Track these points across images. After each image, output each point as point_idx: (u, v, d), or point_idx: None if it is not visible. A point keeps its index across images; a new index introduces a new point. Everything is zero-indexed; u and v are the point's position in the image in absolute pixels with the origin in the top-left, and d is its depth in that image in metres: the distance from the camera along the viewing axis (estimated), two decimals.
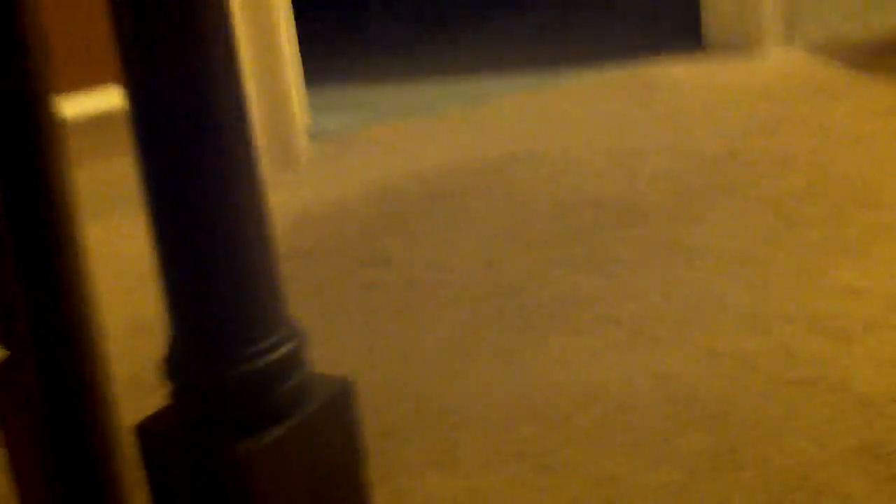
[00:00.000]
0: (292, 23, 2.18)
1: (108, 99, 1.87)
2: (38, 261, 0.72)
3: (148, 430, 0.84)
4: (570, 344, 1.31)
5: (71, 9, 1.84)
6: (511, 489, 1.07)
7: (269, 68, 2.10)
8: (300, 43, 2.22)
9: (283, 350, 0.82)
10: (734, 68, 2.47)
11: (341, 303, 1.49)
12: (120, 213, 1.77)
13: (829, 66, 2.39)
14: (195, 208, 0.78)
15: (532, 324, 1.37)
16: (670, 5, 2.97)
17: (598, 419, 1.15)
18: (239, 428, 0.81)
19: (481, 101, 2.46)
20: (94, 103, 1.89)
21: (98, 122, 1.86)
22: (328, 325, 1.43)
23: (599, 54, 2.74)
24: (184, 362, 0.82)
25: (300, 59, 2.22)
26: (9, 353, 0.72)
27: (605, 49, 2.78)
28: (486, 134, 2.20)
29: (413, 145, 2.18)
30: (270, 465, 0.82)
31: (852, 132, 1.94)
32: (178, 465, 0.84)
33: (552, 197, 1.79)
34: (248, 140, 0.80)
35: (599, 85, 2.47)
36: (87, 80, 1.89)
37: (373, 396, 1.23)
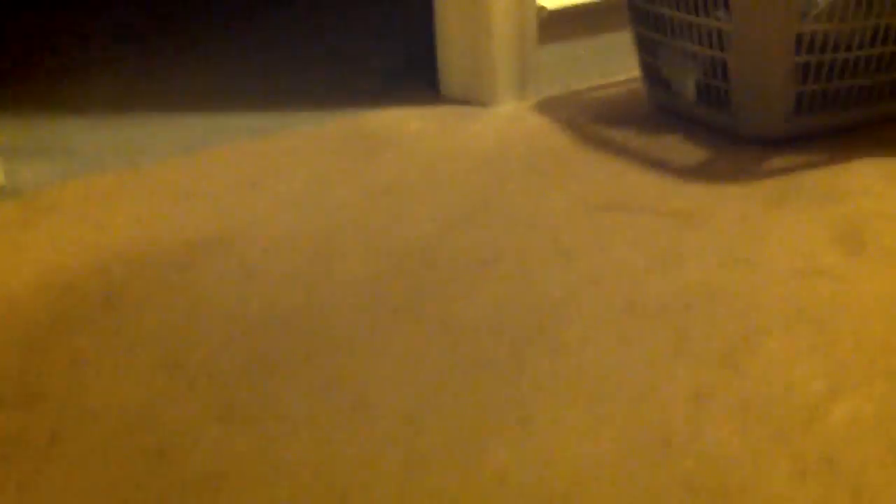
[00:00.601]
0: None
1: None
2: None
3: None
4: None
5: None
6: None
7: None
8: None
9: None
10: (462, 128, 2.39)
11: None
12: None
13: (558, 131, 2.34)
14: None
15: None
16: (414, 51, 2.86)
17: None
18: None
19: (191, 150, 2.30)
20: None
21: None
22: None
23: (336, 95, 2.62)
24: None
25: None
26: None
27: (341, 89, 2.67)
28: (188, 202, 2.05)
29: (107, 214, 2.01)
30: None
31: (558, 233, 1.88)
32: None
33: (231, 310, 1.67)
34: None
35: (324, 140, 2.35)
36: None
37: None
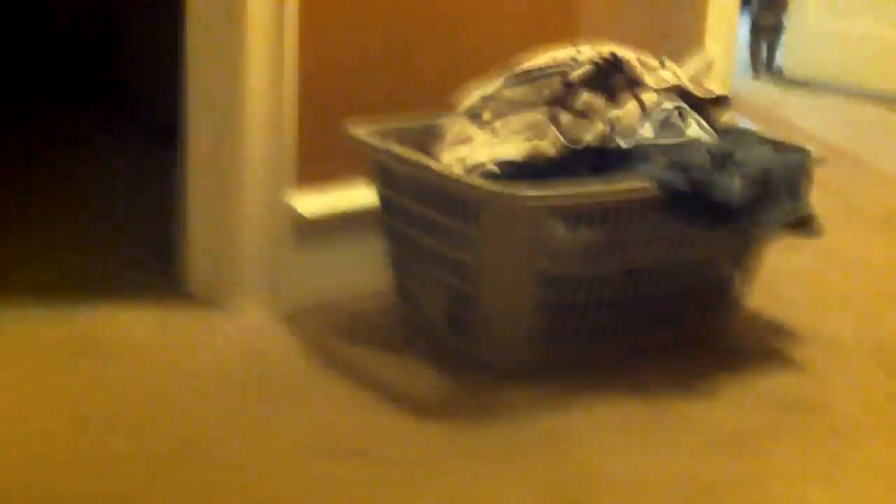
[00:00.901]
0: None
1: None
2: None
3: None
4: None
5: None
6: None
7: None
8: None
9: None
10: (196, 339, 2.22)
11: None
12: None
13: (301, 352, 2.20)
14: None
15: None
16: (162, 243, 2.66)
17: None
18: None
19: None
20: None
21: None
22: None
23: (66, 287, 2.40)
24: None
25: None
26: None
27: (75, 280, 2.46)
28: None
29: None
30: None
31: (273, 491, 1.72)
32: None
33: None
34: None
35: (38, 349, 2.13)
36: None
37: None
